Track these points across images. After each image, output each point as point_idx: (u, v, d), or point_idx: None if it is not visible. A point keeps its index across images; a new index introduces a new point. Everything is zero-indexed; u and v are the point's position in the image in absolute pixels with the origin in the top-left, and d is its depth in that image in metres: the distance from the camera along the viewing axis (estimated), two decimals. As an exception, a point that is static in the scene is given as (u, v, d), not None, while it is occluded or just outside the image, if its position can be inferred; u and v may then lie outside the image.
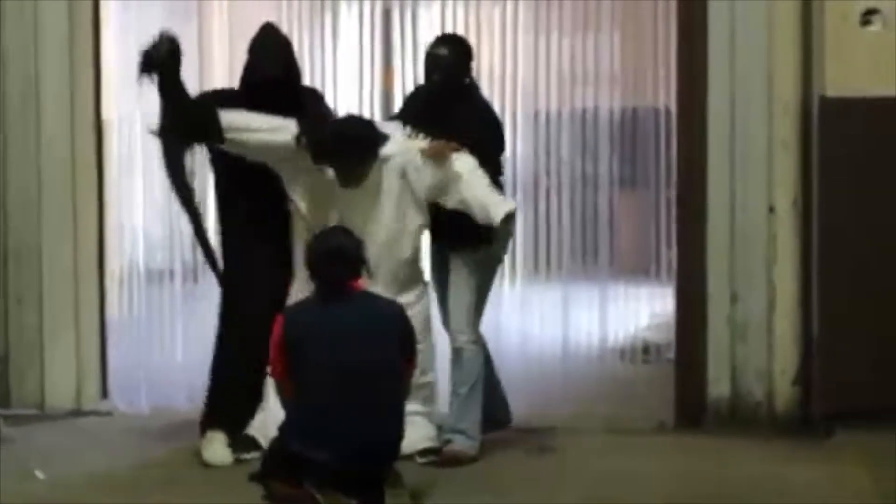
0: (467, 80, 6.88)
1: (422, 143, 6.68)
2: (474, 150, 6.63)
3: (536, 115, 8.74)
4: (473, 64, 6.96)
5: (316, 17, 8.88)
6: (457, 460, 6.61)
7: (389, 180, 6.66)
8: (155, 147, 7.09)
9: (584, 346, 8.43)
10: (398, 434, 5.88)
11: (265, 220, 6.79)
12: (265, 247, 6.81)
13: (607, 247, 8.45)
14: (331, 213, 6.63)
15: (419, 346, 6.27)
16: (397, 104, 8.51)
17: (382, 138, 6.62)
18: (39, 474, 6.45)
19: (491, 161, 6.74)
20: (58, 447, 7.05)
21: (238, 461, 6.57)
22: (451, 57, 6.80)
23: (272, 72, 6.70)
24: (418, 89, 7.17)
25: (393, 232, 6.68)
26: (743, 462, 6.68)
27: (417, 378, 6.38)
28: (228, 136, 6.57)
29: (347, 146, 6.53)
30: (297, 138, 6.54)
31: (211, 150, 6.89)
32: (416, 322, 6.33)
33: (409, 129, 6.75)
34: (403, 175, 6.66)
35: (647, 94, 8.45)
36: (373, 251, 6.31)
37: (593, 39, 8.56)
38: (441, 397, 6.89)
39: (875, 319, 7.05)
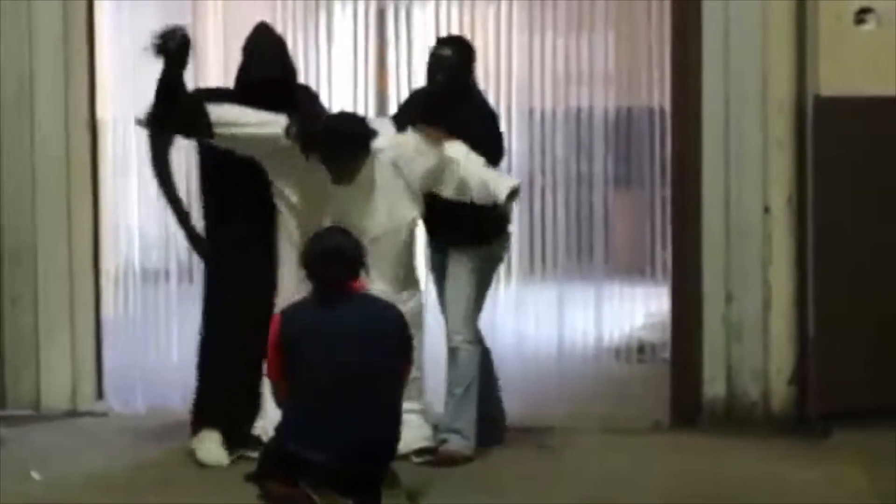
0: (470, 81, 6.88)
1: (412, 137, 6.67)
2: (475, 150, 6.61)
3: (531, 114, 8.73)
4: (475, 65, 6.96)
5: (310, 17, 8.89)
6: (452, 460, 6.62)
7: (381, 174, 6.64)
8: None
9: (580, 346, 8.44)
10: (395, 434, 5.88)
11: (251, 215, 6.76)
12: (250, 243, 6.78)
13: (602, 246, 8.48)
14: (323, 209, 6.62)
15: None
16: (391, 104, 8.54)
17: (374, 134, 6.61)
18: (35, 475, 6.44)
19: (491, 161, 6.72)
20: (53, 448, 7.03)
21: (236, 460, 6.56)
22: (454, 58, 6.80)
23: (268, 72, 6.68)
24: (419, 90, 7.13)
25: (386, 226, 6.67)
26: (739, 462, 6.68)
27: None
28: (217, 130, 6.55)
29: (341, 142, 6.52)
30: (287, 129, 6.53)
31: (200, 144, 6.88)
32: (408, 318, 6.29)
33: (409, 129, 6.74)
34: (395, 168, 6.65)
35: (642, 94, 8.47)
36: (366, 246, 6.29)
37: (587, 39, 8.56)
38: (437, 397, 6.89)
39: (871, 318, 7.05)
